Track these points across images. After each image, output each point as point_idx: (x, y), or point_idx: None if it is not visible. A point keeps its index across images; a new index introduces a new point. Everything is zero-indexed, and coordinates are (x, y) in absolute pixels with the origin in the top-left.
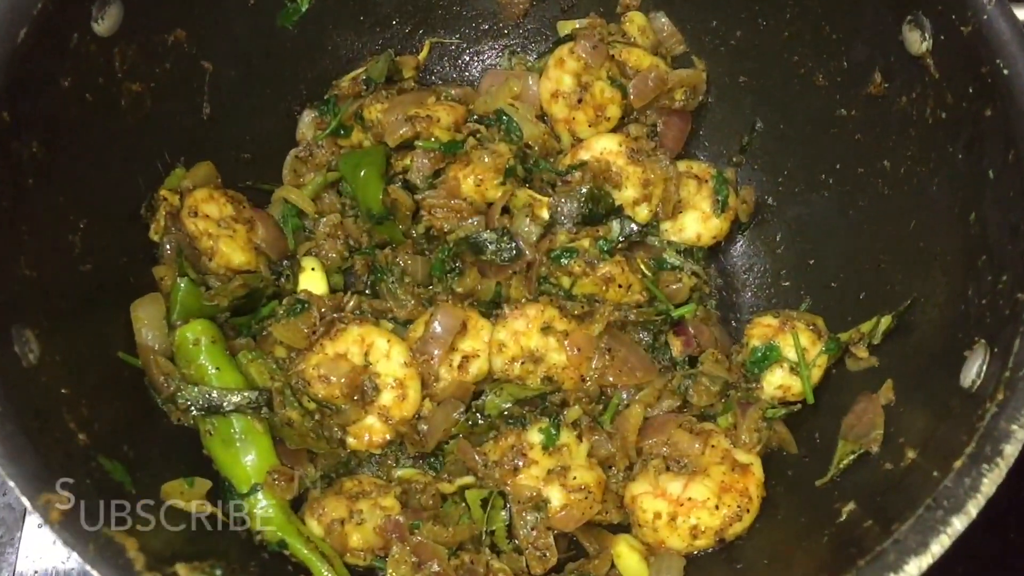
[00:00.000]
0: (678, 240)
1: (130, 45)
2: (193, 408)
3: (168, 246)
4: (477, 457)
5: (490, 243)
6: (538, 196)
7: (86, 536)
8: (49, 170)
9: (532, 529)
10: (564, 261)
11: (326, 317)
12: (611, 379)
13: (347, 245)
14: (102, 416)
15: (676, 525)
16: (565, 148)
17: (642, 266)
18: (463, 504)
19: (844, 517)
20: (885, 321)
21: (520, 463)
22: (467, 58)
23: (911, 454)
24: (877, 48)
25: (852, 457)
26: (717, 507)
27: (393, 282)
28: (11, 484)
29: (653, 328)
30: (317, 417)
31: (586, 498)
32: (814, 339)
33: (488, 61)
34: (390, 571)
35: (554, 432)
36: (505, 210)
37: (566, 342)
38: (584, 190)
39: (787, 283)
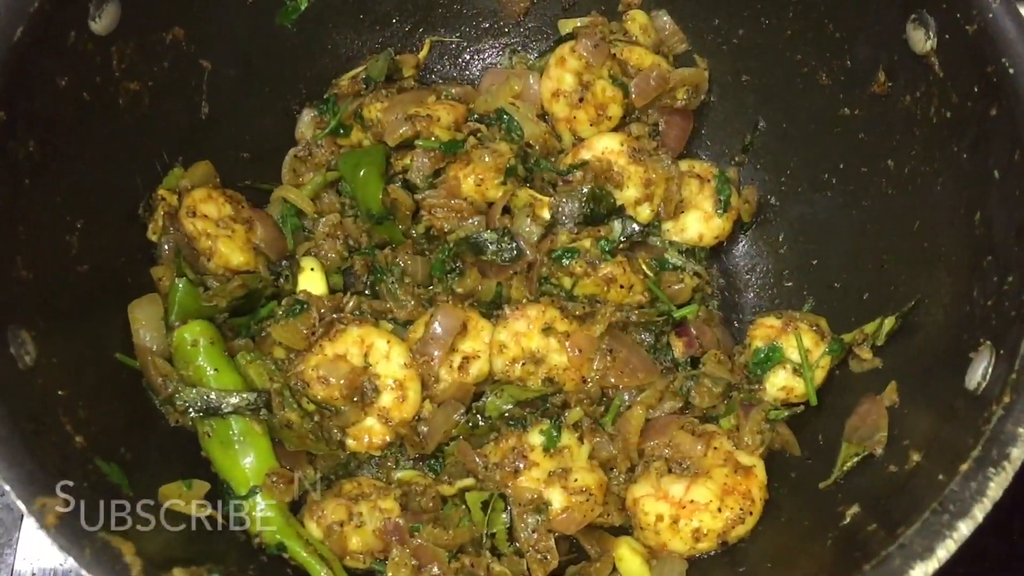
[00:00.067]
0: (680, 240)
1: (128, 44)
2: (191, 410)
3: (166, 246)
4: (477, 459)
5: (491, 243)
6: (539, 196)
7: (82, 540)
8: (46, 170)
9: (533, 531)
10: (565, 261)
11: (325, 318)
12: (612, 380)
13: (347, 245)
14: (99, 418)
15: (678, 528)
16: (566, 147)
17: (644, 266)
18: (463, 506)
19: (848, 520)
20: (889, 322)
21: (521, 465)
22: (467, 57)
23: (916, 457)
24: (881, 47)
25: (856, 459)
26: (719, 509)
27: (393, 282)
28: (7, 488)
29: (655, 329)
30: (316, 419)
31: (587, 500)
32: (817, 340)
33: (489, 60)
34: (390, 574)
35: (555, 434)
36: (506, 210)
37: (567, 343)
38: (585, 190)
39: (790, 283)
